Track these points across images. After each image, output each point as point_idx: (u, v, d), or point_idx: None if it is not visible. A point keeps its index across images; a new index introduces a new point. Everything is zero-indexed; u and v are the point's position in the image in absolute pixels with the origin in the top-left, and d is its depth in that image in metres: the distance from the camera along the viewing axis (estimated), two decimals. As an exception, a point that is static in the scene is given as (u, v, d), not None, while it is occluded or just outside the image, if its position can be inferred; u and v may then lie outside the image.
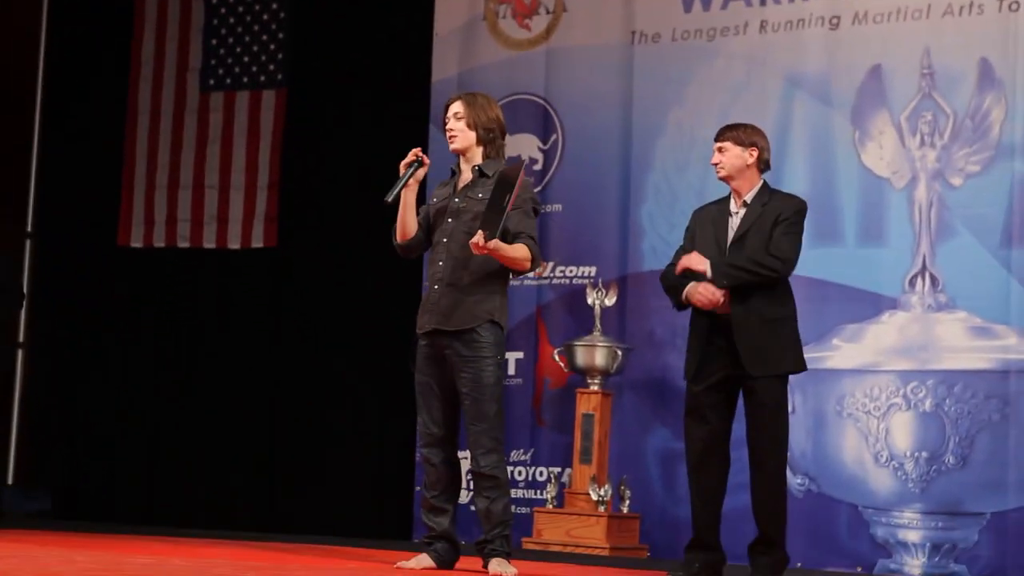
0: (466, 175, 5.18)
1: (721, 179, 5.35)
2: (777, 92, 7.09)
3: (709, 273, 5.15)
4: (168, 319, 8.64)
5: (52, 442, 8.75)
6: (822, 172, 6.93)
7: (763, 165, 5.33)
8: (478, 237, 4.88)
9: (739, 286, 5.14)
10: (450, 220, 5.11)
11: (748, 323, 5.14)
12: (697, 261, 5.18)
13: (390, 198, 5.06)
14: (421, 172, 5.14)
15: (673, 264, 5.34)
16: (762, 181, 5.33)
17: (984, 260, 6.57)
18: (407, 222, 5.17)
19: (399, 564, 5.09)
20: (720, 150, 5.33)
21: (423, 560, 5.08)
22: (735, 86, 7.20)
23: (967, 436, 6.53)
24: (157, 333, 8.65)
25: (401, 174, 5.09)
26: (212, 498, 8.32)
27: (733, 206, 5.33)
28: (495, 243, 4.91)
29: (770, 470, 5.20)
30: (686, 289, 5.19)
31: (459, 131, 5.15)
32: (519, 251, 5.05)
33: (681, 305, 5.28)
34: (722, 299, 5.12)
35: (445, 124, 5.22)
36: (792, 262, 5.21)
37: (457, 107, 5.18)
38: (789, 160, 6.96)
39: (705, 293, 5.14)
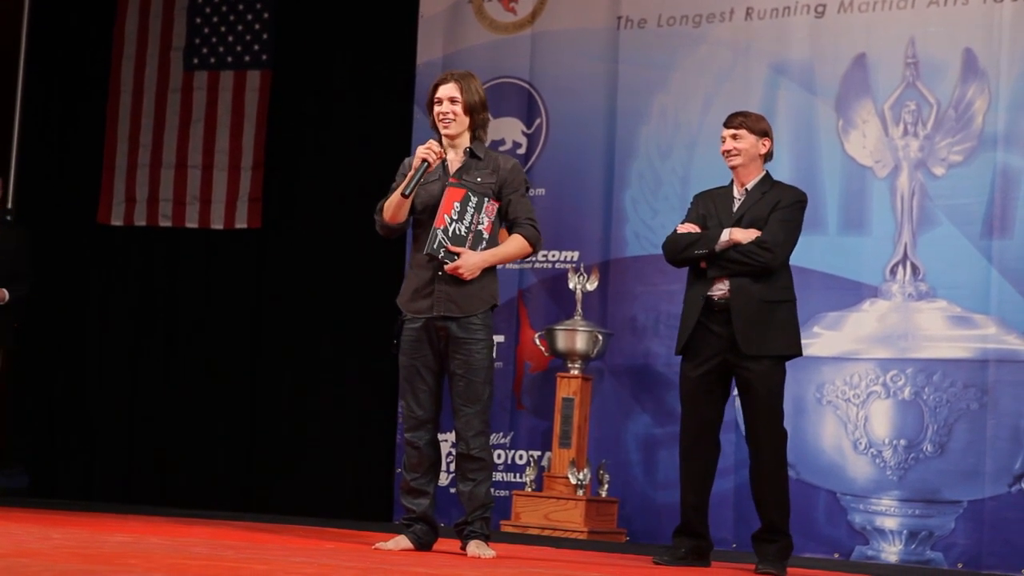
0: (454, 157, 5.13)
1: (732, 167, 5.36)
2: (761, 79, 7.10)
3: (715, 248, 5.23)
4: (149, 298, 8.62)
5: (30, 420, 8.73)
6: (805, 160, 6.95)
7: (768, 156, 5.38)
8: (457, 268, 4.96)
9: (733, 274, 5.19)
10: (443, 153, 5.06)
11: (745, 304, 5.18)
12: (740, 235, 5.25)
13: (409, 191, 4.97)
14: (435, 164, 5.05)
15: (674, 235, 5.39)
16: (765, 171, 5.38)
17: (965, 250, 6.60)
18: (404, 208, 5.07)
19: (377, 545, 5.09)
20: (735, 137, 5.34)
21: (401, 542, 5.08)
22: (720, 73, 7.21)
23: (945, 424, 6.56)
24: (137, 312, 8.63)
25: (416, 165, 4.99)
26: (191, 477, 8.31)
27: (736, 192, 5.39)
28: (479, 259, 4.96)
29: (770, 460, 5.22)
30: (731, 233, 5.23)
31: (456, 115, 5.06)
32: (511, 247, 5.08)
33: (704, 255, 5.30)
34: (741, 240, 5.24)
35: (434, 104, 5.10)
36: (782, 248, 5.24)
37: (452, 90, 5.07)
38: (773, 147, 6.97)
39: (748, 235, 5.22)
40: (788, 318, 5.28)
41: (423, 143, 5.08)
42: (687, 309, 5.33)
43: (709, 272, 5.27)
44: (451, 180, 5.03)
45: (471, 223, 4.98)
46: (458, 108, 5.07)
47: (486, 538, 5.06)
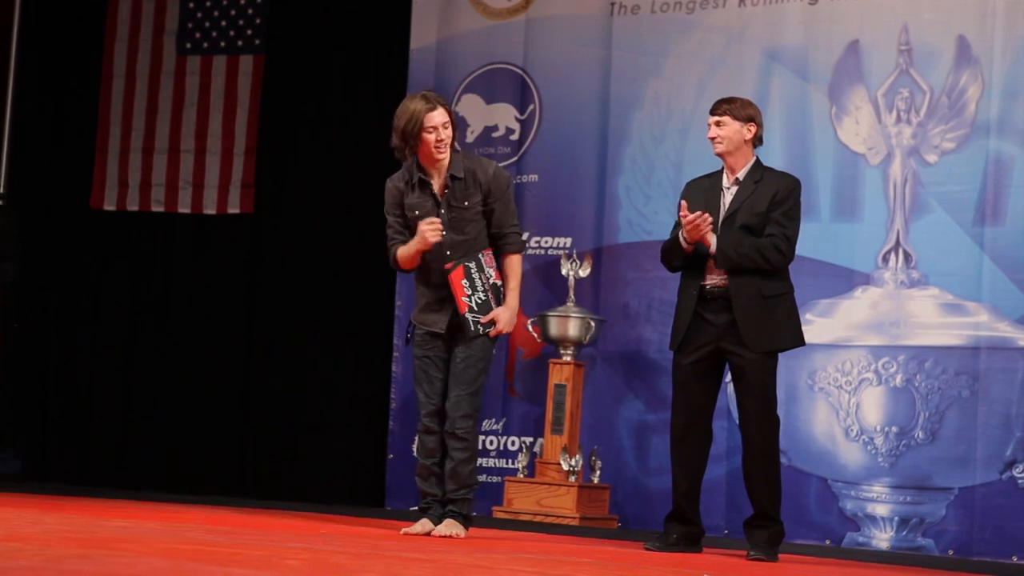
0: (438, 182, 5.22)
1: (718, 154, 5.35)
2: (755, 66, 7.10)
3: (713, 248, 5.19)
4: (141, 283, 8.60)
5: (23, 404, 8.72)
6: (798, 147, 6.95)
7: (757, 141, 5.35)
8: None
9: (742, 270, 5.19)
10: (444, 233, 5.18)
11: (747, 299, 5.17)
12: (707, 229, 5.18)
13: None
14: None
15: (672, 238, 5.35)
16: (755, 158, 5.36)
17: (957, 237, 6.61)
18: (418, 257, 5.24)
19: (404, 530, 5.24)
20: (718, 124, 5.31)
21: (427, 524, 5.25)
22: (713, 59, 7.20)
23: (937, 412, 6.57)
24: (130, 296, 8.61)
25: (424, 248, 5.19)
26: (185, 462, 8.30)
27: (726, 181, 5.36)
28: (511, 313, 5.25)
29: (762, 447, 5.24)
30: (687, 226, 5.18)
31: (449, 143, 5.17)
32: (518, 270, 5.30)
33: (678, 262, 5.30)
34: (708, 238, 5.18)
35: (425, 133, 5.11)
36: (794, 246, 5.28)
37: (444, 116, 5.16)
38: (766, 134, 6.89)
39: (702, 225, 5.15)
40: (790, 310, 5.29)
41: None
42: (681, 304, 5.32)
43: (718, 264, 5.22)
44: (445, 267, 5.19)
45: (483, 285, 5.20)
46: (450, 131, 5.15)
47: (464, 519, 5.15)
